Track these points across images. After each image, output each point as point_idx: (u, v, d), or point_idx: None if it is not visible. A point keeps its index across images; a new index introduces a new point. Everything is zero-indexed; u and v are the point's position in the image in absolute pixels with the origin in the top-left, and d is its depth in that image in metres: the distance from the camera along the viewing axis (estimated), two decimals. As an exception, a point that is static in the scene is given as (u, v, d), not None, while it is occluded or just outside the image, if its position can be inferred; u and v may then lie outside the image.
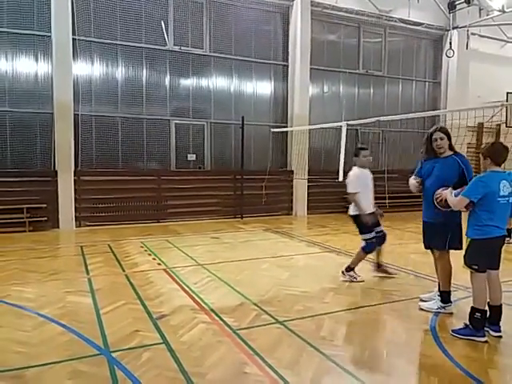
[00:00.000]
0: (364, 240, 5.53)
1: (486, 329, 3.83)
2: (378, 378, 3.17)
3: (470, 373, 3.19)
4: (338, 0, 12.21)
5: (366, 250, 5.55)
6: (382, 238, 5.67)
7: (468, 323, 3.84)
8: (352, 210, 5.56)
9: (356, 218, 5.50)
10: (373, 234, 5.50)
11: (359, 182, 5.48)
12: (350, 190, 5.47)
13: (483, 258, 3.80)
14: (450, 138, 4.36)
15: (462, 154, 4.41)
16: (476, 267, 3.80)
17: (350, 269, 5.57)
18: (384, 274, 5.79)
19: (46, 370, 3.22)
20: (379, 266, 5.85)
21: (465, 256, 3.88)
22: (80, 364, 3.31)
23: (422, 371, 3.24)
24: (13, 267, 6.27)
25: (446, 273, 4.43)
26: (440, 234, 4.34)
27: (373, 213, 5.53)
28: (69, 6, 9.50)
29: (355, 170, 5.59)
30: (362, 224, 5.43)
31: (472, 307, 3.84)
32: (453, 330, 3.90)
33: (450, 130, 4.44)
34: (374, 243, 5.54)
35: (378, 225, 5.64)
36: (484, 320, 3.81)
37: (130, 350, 3.55)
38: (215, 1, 11.27)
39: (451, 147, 4.38)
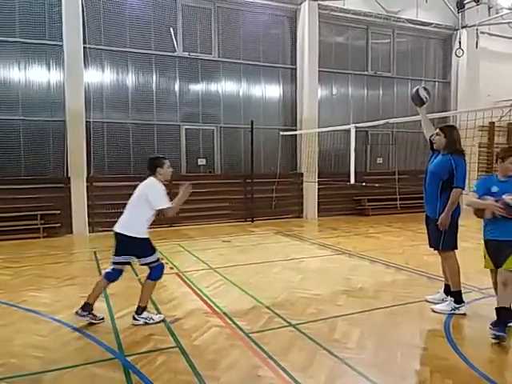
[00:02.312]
0: (149, 264, 4.36)
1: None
2: (393, 380, 3.16)
3: (485, 375, 3.17)
4: (345, 2, 12.20)
5: (156, 276, 4.39)
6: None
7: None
8: (135, 231, 4.29)
9: (142, 241, 4.31)
10: (158, 255, 4.47)
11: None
12: (165, 204, 4.38)
13: None
14: (447, 137, 4.39)
15: (459, 155, 4.34)
16: None
17: (142, 309, 4.32)
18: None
19: (62, 374, 3.28)
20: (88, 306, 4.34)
21: None
22: (96, 368, 3.35)
23: (436, 373, 3.22)
24: (28, 273, 6.36)
25: (455, 272, 4.42)
26: (435, 233, 4.39)
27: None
28: (79, 15, 9.65)
29: (160, 184, 4.52)
30: (148, 246, 4.36)
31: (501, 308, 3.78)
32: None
33: (455, 131, 4.46)
34: (163, 264, 4.49)
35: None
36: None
37: (144, 353, 3.59)
38: (223, 6, 11.35)
39: (449, 146, 4.37)
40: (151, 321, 4.29)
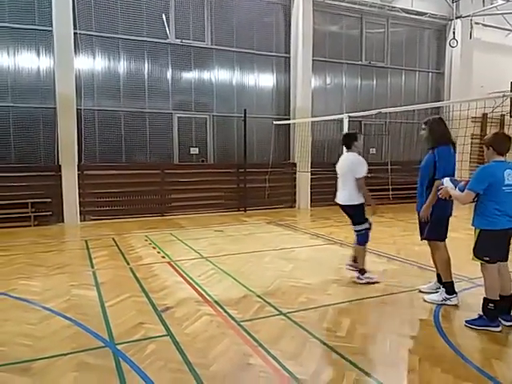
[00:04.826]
0: (358, 231, 5.26)
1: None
2: (382, 368, 3.19)
3: (473, 363, 3.21)
4: (340, -10, 12.12)
5: (363, 241, 5.26)
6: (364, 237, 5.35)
7: (482, 314, 3.85)
8: (350, 199, 5.19)
9: (354, 207, 5.21)
10: (367, 224, 5.28)
11: (365, 166, 5.16)
12: (361, 174, 5.09)
13: (493, 249, 3.77)
14: (431, 132, 4.38)
15: (444, 147, 4.32)
16: (487, 259, 3.77)
17: (363, 271, 5.24)
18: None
19: (52, 363, 3.26)
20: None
21: (474, 248, 3.84)
22: (86, 356, 3.34)
23: (425, 362, 3.25)
24: (19, 261, 6.32)
25: (444, 263, 4.45)
26: (424, 224, 4.41)
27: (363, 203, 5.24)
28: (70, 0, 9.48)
29: (357, 155, 5.24)
30: (361, 213, 5.22)
31: (485, 298, 3.84)
32: (467, 321, 3.89)
33: (447, 122, 4.46)
34: (368, 233, 5.28)
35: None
36: (497, 310, 3.81)
37: (134, 342, 3.58)
38: (216, -7, 11.21)
39: (430, 141, 4.39)
40: (372, 280, 5.15)
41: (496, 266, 3.82)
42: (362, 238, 5.25)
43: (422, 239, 4.61)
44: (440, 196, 4.07)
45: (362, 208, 5.21)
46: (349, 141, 5.29)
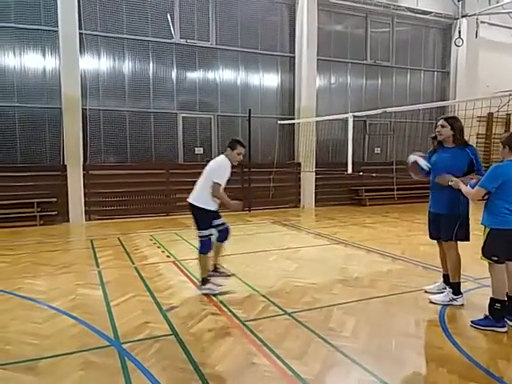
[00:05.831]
0: (201, 237, 4.85)
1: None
2: (387, 369, 3.17)
3: (479, 364, 3.19)
4: (344, -10, 12.08)
5: (203, 250, 4.86)
6: (224, 233, 5.14)
7: (488, 314, 3.82)
8: (199, 201, 4.81)
9: (200, 211, 4.81)
10: (212, 231, 4.93)
11: (226, 174, 4.90)
12: (217, 179, 4.78)
13: (502, 249, 3.73)
14: (454, 129, 4.32)
15: (471, 145, 4.40)
16: (496, 258, 3.74)
17: (205, 281, 4.85)
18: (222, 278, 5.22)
19: (58, 361, 3.28)
20: (215, 270, 5.28)
21: (483, 248, 3.81)
22: (91, 355, 3.35)
23: (431, 362, 3.23)
24: (24, 260, 6.36)
25: (455, 264, 4.40)
26: (448, 225, 4.34)
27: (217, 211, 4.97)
28: (75, 0, 9.51)
29: (226, 161, 4.98)
30: (205, 220, 4.85)
31: (491, 298, 3.81)
32: (472, 321, 3.87)
33: (460, 122, 4.41)
34: (211, 241, 4.93)
35: (219, 217, 5.06)
36: (504, 310, 3.78)
37: (139, 341, 3.59)
38: (221, -8, 11.22)
39: (456, 139, 4.33)
40: (214, 291, 4.75)
41: (504, 266, 3.80)
42: (203, 247, 4.84)
43: (446, 240, 4.41)
44: (451, 184, 4.07)
45: (208, 215, 4.85)
46: (228, 145, 5.08)
